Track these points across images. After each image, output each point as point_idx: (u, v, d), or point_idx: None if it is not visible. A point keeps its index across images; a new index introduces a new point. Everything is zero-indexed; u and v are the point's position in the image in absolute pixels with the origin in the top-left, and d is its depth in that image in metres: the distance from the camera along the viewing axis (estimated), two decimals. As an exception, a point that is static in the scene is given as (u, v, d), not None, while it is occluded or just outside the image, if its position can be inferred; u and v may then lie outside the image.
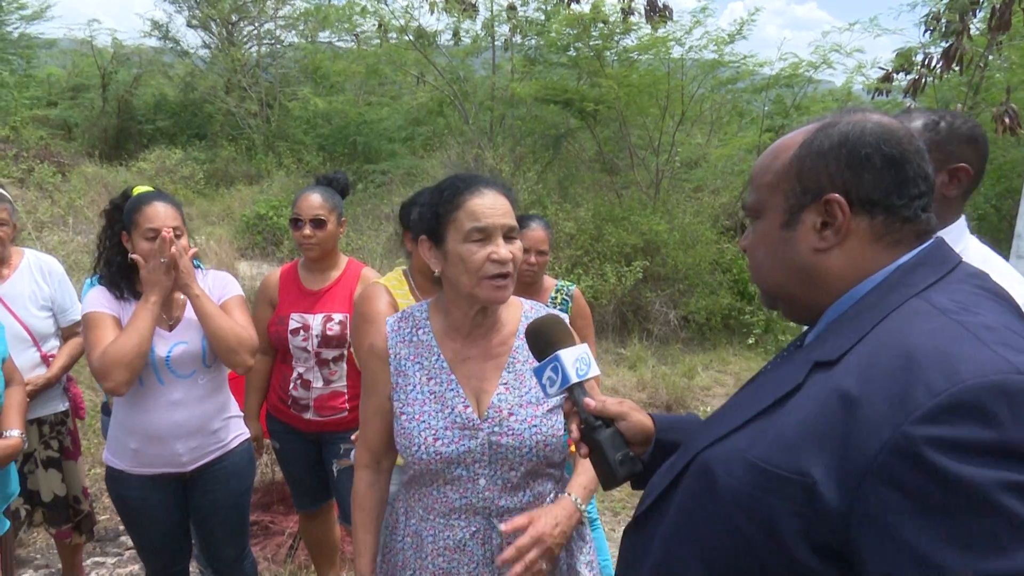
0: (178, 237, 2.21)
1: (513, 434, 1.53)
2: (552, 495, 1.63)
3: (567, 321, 1.63)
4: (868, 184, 0.93)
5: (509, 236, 1.50)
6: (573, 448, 1.30)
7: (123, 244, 2.26)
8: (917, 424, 0.74)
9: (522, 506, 1.57)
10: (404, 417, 1.56)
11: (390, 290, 2.27)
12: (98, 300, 2.24)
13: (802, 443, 0.84)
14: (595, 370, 1.29)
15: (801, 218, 0.96)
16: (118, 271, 2.28)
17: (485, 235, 1.47)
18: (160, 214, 2.20)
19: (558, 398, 1.41)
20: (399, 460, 1.70)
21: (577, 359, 1.27)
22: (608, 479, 1.21)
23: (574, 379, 1.25)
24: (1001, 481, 0.70)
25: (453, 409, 1.54)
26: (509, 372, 1.59)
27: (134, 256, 2.18)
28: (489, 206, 1.48)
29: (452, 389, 1.57)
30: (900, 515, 0.75)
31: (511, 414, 1.54)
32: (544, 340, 1.33)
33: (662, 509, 1.04)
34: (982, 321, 0.81)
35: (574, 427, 1.25)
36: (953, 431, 0.73)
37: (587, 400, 1.24)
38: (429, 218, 1.54)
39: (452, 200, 1.50)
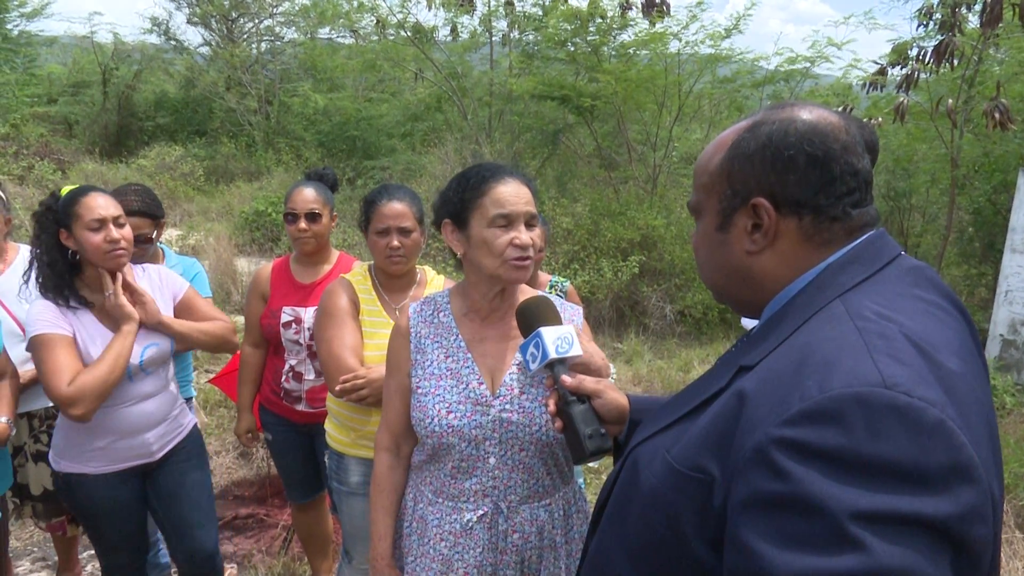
0: (120, 226, 2.20)
1: (523, 411, 1.59)
2: (560, 494, 1.69)
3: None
4: (793, 185, 0.92)
5: (529, 224, 1.58)
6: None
7: (63, 243, 2.18)
8: (778, 427, 0.75)
9: (530, 492, 1.63)
10: (420, 391, 1.64)
11: (353, 285, 2.31)
12: (45, 319, 2.13)
13: (705, 442, 0.87)
14: (577, 350, 1.35)
15: (733, 221, 0.97)
16: (61, 274, 2.19)
17: (508, 221, 1.55)
18: (100, 203, 2.16)
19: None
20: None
21: (559, 337, 1.35)
22: (577, 453, 1.27)
23: (553, 355, 1.32)
24: (835, 487, 0.70)
25: (468, 385, 1.61)
26: None
27: (77, 250, 2.17)
28: (513, 194, 1.57)
29: (468, 367, 1.63)
30: (742, 509, 0.77)
31: (522, 392, 1.61)
32: (531, 318, 1.41)
33: (608, 500, 1.08)
34: (881, 329, 0.81)
35: (551, 402, 1.31)
36: (804, 434, 0.73)
37: (564, 376, 1.31)
38: (455, 203, 1.61)
39: (478, 187, 1.58)
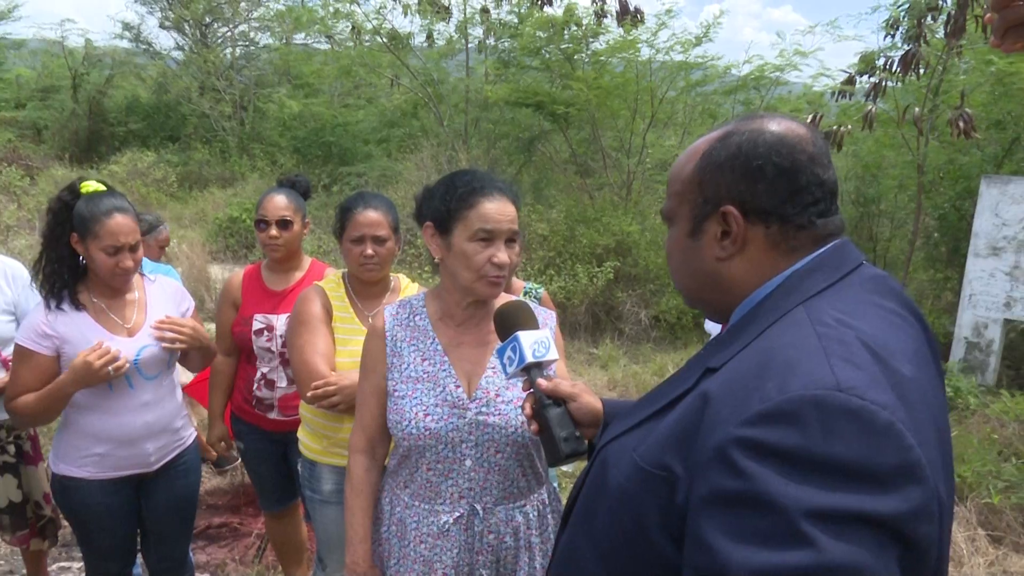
0: (134, 250, 2.18)
1: (499, 414, 1.61)
2: (535, 495, 1.71)
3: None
4: (761, 194, 0.95)
5: (510, 240, 1.61)
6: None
7: (72, 245, 2.17)
8: (738, 426, 0.78)
9: (506, 494, 1.65)
10: (397, 394, 1.65)
11: (327, 292, 2.31)
12: (33, 332, 2.13)
13: (669, 441, 0.89)
14: (553, 354, 1.38)
15: (704, 228, 0.99)
16: (64, 274, 2.18)
17: (490, 237, 1.57)
18: (123, 228, 2.12)
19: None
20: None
21: (536, 342, 1.37)
22: (553, 455, 1.29)
23: (530, 359, 1.34)
24: (789, 485, 0.73)
25: (444, 388, 1.63)
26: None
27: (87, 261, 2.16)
28: (498, 211, 1.58)
29: (445, 370, 1.65)
30: (702, 505, 0.80)
31: (498, 395, 1.63)
32: (508, 322, 1.43)
33: (578, 498, 1.10)
34: (840, 335, 0.84)
35: (527, 405, 1.33)
36: (761, 434, 0.76)
37: (540, 380, 1.33)
38: (440, 210, 1.62)
39: (466, 198, 1.58)
